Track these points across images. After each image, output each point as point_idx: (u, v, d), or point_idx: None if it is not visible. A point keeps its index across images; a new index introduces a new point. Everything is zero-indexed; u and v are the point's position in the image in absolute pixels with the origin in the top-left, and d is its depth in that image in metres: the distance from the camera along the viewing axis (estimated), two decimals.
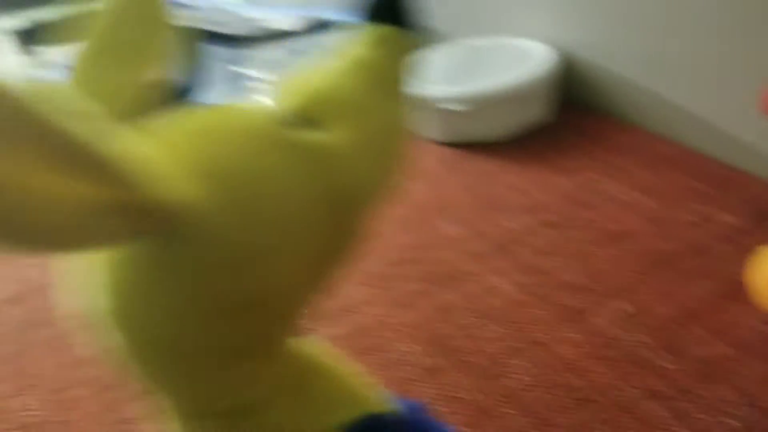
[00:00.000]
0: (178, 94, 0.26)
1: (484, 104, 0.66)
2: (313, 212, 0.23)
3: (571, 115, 0.71)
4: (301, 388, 0.26)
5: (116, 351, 0.23)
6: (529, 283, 0.51)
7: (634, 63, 0.65)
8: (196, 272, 0.21)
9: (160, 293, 0.21)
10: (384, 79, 0.27)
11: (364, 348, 0.48)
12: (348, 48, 0.27)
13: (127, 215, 0.18)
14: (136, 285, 0.21)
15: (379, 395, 0.28)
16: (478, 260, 0.54)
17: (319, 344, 0.29)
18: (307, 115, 0.24)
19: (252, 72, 0.89)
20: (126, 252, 0.21)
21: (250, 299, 0.22)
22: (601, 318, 0.47)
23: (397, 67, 0.27)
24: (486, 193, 0.62)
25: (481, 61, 0.72)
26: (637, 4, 0.62)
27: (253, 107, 0.25)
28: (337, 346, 0.30)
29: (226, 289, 0.21)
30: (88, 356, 0.52)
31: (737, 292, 0.47)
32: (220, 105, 0.24)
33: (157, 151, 0.20)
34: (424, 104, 0.70)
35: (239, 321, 0.22)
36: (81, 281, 0.23)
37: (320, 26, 0.95)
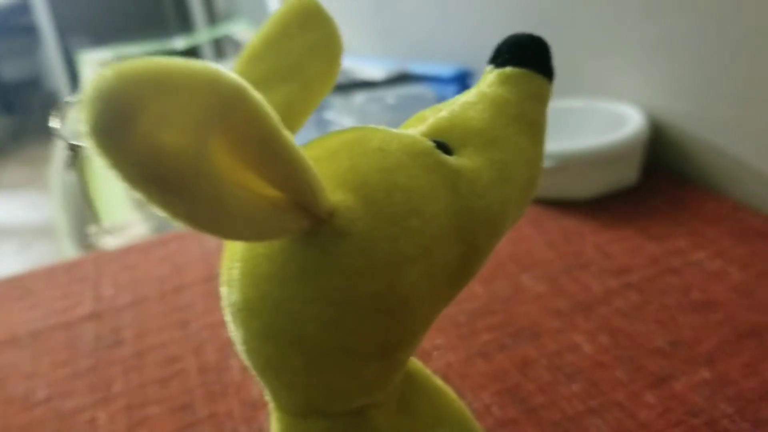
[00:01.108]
0: None
1: (572, 162, 0.67)
2: (447, 229, 0.24)
3: (659, 180, 0.71)
4: (406, 399, 0.27)
5: (245, 343, 0.24)
6: (611, 344, 0.51)
7: (724, 131, 0.65)
8: (339, 272, 0.22)
9: (302, 286, 0.22)
10: (513, 116, 0.28)
11: None
12: (477, 86, 0.29)
13: (296, 213, 0.20)
14: (278, 278, 0.23)
15: (476, 422, 0.29)
16: (559, 318, 0.55)
17: (420, 364, 0.30)
18: (439, 140, 0.26)
19: (335, 117, 0.93)
20: (267, 246, 0.23)
21: (385, 304, 0.23)
22: (682, 385, 0.47)
23: (528, 106, 0.28)
24: (570, 251, 0.63)
25: (572, 121, 0.74)
26: (730, 74, 0.62)
27: (386, 127, 0.26)
28: None
29: (365, 290, 0.23)
30: (163, 376, 0.56)
31: None
32: (359, 126, 0.26)
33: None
34: None
35: (373, 324, 0.23)
36: (223, 275, 0.24)
37: (405, 78, 0.98)
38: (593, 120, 0.73)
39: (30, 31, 2.89)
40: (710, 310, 0.53)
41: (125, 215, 1.00)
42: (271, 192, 0.20)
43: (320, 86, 0.27)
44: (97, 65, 2.32)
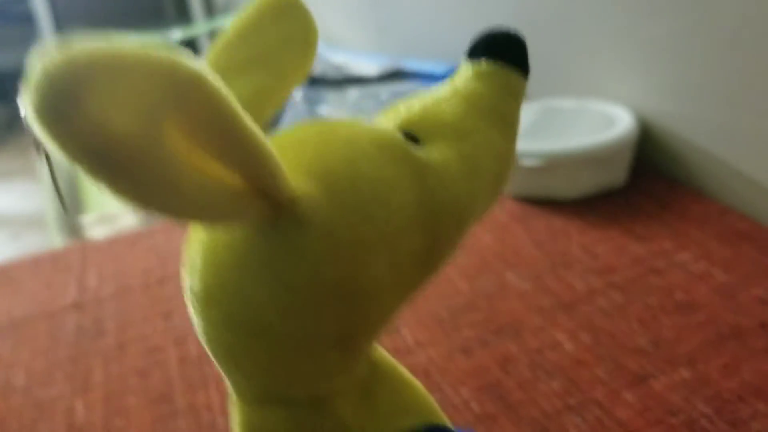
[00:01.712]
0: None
1: (560, 162, 0.67)
2: (412, 220, 0.24)
3: (646, 181, 0.71)
4: (369, 389, 0.27)
5: (205, 332, 0.24)
6: (592, 343, 0.51)
7: (713, 134, 0.65)
8: (300, 260, 0.22)
9: (262, 274, 0.22)
10: (485, 110, 0.28)
11: None
12: (452, 79, 0.29)
13: (258, 200, 0.20)
14: (238, 266, 0.22)
15: (442, 413, 0.29)
16: (542, 315, 0.55)
17: (386, 353, 0.30)
18: (410, 133, 0.26)
19: (328, 112, 0.93)
20: (228, 233, 0.23)
21: (347, 292, 0.23)
22: (661, 385, 0.47)
23: (500, 101, 0.28)
24: (556, 250, 0.63)
25: (561, 121, 0.74)
26: (719, 77, 0.62)
27: (357, 119, 0.26)
28: None
29: (326, 279, 0.22)
30: (143, 367, 0.55)
31: None
32: (330, 118, 0.26)
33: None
34: None
35: (334, 312, 0.23)
36: (185, 263, 0.24)
37: (398, 74, 0.98)
38: (583, 120, 0.73)
39: (27, 20, 2.87)
40: (693, 310, 0.53)
41: (115, 206, 1.00)
42: (232, 178, 0.19)
43: (294, 75, 0.27)
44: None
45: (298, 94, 0.94)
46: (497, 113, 0.28)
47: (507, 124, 0.29)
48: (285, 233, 0.22)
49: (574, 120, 0.73)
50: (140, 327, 0.60)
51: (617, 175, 0.69)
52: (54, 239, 1.08)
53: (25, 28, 2.95)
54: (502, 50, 0.29)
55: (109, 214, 1.03)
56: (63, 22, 2.79)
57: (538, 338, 0.53)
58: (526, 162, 0.68)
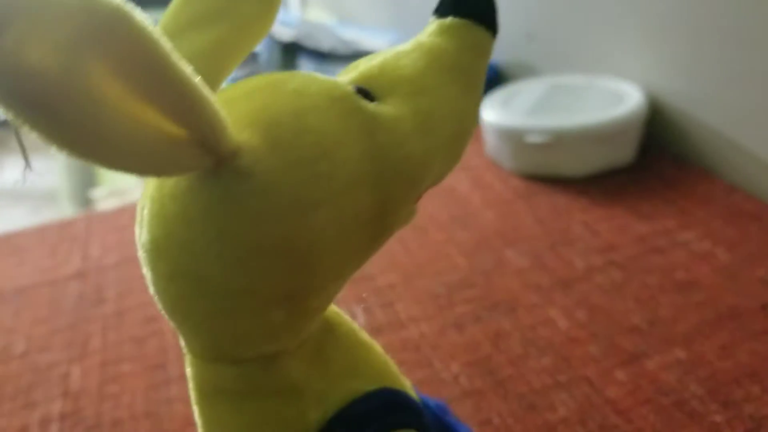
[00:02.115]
0: None
1: (566, 139, 0.66)
2: (359, 176, 0.23)
3: (654, 159, 0.70)
4: (322, 350, 0.26)
5: (153, 284, 0.24)
6: (587, 320, 0.50)
7: (722, 113, 0.63)
8: (242, 213, 0.22)
9: (204, 226, 0.22)
10: (447, 66, 0.27)
11: (406, 362, 0.49)
12: (418, 35, 0.28)
13: (197, 150, 0.20)
14: (182, 217, 0.22)
15: (405, 380, 0.29)
16: (538, 293, 0.54)
17: (348, 318, 0.29)
18: (365, 87, 0.25)
19: None
20: (173, 185, 0.22)
21: (290, 248, 0.22)
22: (655, 364, 0.46)
23: (465, 58, 0.27)
24: (557, 228, 0.62)
25: (569, 98, 0.72)
26: (730, 56, 0.60)
27: (311, 73, 0.26)
28: None
29: (268, 233, 0.22)
30: (140, 335, 0.56)
31: None
32: (284, 71, 0.26)
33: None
34: (506, 134, 0.70)
35: (277, 268, 0.23)
36: (137, 217, 0.24)
37: None
38: (591, 97, 0.71)
39: None
40: (692, 290, 0.52)
41: (126, 180, 1.01)
42: (170, 127, 0.19)
43: (255, 28, 0.27)
44: None
45: (308, 68, 0.94)
46: (459, 69, 0.27)
47: (470, 82, 0.28)
48: (226, 185, 0.21)
49: (581, 96, 0.72)
50: (139, 296, 0.61)
51: (625, 152, 0.68)
52: (66, 212, 1.09)
53: None
54: (470, 6, 0.28)
55: (120, 188, 1.04)
56: None
57: (533, 315, 0.52)
58: (533, 138, 0.66)
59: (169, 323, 0.56)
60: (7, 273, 0.67)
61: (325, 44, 0.94)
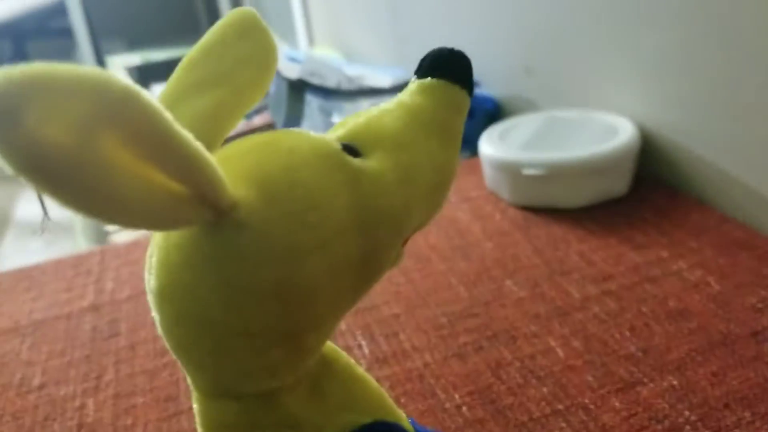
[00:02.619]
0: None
1: (562, 171, 0.68)
2: (347, 224, 0.26)
3: (648, 190, 0.72)
4: (319, 384, 0.28)
5: (161, 326, 0.26)
6: (583, 349, 0.52)
7: (714, 144, 0.65)
8: (240, 260, 0.24)
9: (207, 273, 0.24)
10: (426, 123, 0.30)
11: (410, 392, 0.50)
12: (400, 95, 0.31)
13: (199, 206, 0.22)
14: (186, 265, 0.24)
15: (400, 412, 0.31)
16: (537, 322, 0.56)
17: (345, 354, 0.31)
18: (352, 144, 0.28)
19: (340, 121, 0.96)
20: (179, 236, 0.25)
21: (286, 291, 0.24)
22: (649, 391, 0.47)
23: (442, 115, 0.30)
24: (555, 257, 0.64)
25: (564, 131, 0.75)
26: (719, 88, 0.63)
27: (302, 131, 0.28)
28: (381, 386, 0.33)
29: (265, 278, 0.24)
30: (152, 368, 0.58)
31: None
32: (277, 130, 0.28)
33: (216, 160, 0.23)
34: (504, 166, 0.72)
35: (274, 311, 0.25)
36: (147, 264, 0.26)
37: (408, 84, 1.00)
38: (585, 130, 0.73)
39: (65, 34, 2.97)
40: (685, 318, 0.53)
41: None
42: (173, 186, 0.21)
43: (251, 92, 0.29)
44: (123, 69, 2.38)
45: (314, 104, 0.96)
46: (438, 125, 0.30)
47: (448, 137, 0.30)
48: (226, 235, 0.24)
49: (576, 130, 0.74)
50: (151, 330, 0.63)
51: (619, 184, 0.70)
52: (80, 245, 1.12)
53: (65, 41, 3.05)
54: (446, 67, 0.30)
55: None
56: (100, 35, 2.87)
57: (532, 344, 0.54)
58: (530, 171, 0.69)
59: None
60: (24, 307, 0.69)
61: (330, 81, 0.97)
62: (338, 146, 0.27)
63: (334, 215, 0.25)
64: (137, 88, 0.19)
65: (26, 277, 0.76)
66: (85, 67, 0.18)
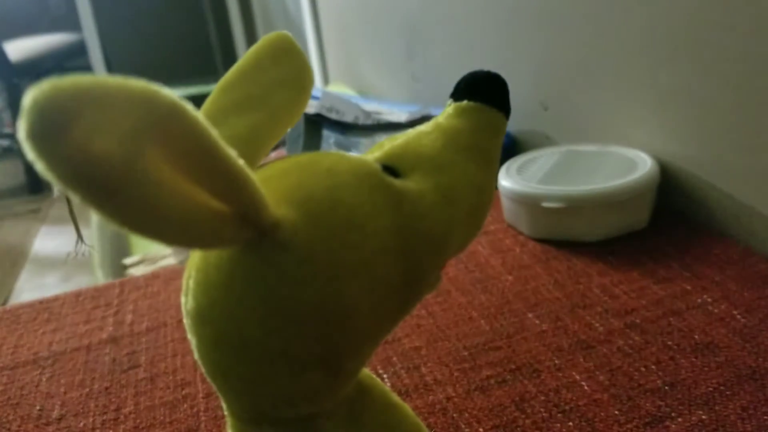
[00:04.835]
0: None
1: (583, 204, 0.68)
2: (388, 246, 0.25)
3: (668, 223, 0.71)
4: (356, 410, 0.28)
5: (197, 350, 0.26)
6: (609, 383, 0.51)
7: (734, 177, 0.65)
8: (281, 281, 0.24)
9: (247, 293, 0.24)
10: (464, 145, 0.30)
11: (433, 426, 0.50)
12: (437, 118, 0.31)
13: (240, 225, 0.22)
14: (225, 286, 0.24)
15: None
16: (560, 355, 0.55)
17: (380, 381, 0.31)
18: (391, 165, 0.28)
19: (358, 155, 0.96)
20: (218, 256, 0.24)
21: (326, 312, 0.24)
22: (677, 426, 0.47)
23: (480, 137, 0.30)
24: (576, 291, 0.63)
25: (583, 165, 0.75)
26: (738, 122, 0.63)
27: (341, 152, 0.28)
28: None
29: (306, 299, 0.24)
30: (171, 400, 0.57)
31: None
32: (316, 152, 0.28)
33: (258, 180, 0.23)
34: (522, 200, 0.72)
35: (314, 333, 0.24)
36: (183, 286, 0.26)
37: (426, 120, 1.01)
38: (605, 164, 0.74)
39: (86, 73, 3.04)
40: (711, 352, 0.53)
41: (158, 248, 1.04)
42: (215, 203, 0.21)
43: (287, 115, 0.29)
44: None
45: (331, 139, 0.97)
46: (475, 147, 0.30)
47: (485, 159, 0.30)
48: (267, 256, 0.24)
49: (596, 163, 0.74)
50: (171, 361, 0.63)
51: (639, 217, 0.70)
52: (99, 279, 1.12)
53: None
54: (482, 90, 0.31)
55: (151, 256, 1.07)
56: (118, 74, 2.94)
57: (556, 378, 0.53)
58: (549, 204, 0.69)
59: (202, 388, 0.58)
60: (44, 339, 0.69)
61: (348, 116, 0.98)
62: (378, 167, 0.27)
63: (376, 236, 0.25)
64: (184, 102, 0.19)
65: (45, 308, 0.76)
66: (132, 79, 0.19)
